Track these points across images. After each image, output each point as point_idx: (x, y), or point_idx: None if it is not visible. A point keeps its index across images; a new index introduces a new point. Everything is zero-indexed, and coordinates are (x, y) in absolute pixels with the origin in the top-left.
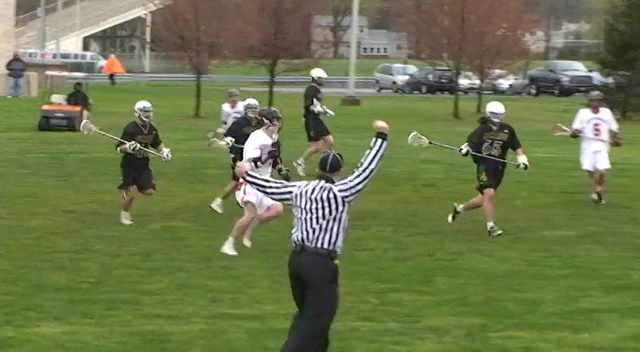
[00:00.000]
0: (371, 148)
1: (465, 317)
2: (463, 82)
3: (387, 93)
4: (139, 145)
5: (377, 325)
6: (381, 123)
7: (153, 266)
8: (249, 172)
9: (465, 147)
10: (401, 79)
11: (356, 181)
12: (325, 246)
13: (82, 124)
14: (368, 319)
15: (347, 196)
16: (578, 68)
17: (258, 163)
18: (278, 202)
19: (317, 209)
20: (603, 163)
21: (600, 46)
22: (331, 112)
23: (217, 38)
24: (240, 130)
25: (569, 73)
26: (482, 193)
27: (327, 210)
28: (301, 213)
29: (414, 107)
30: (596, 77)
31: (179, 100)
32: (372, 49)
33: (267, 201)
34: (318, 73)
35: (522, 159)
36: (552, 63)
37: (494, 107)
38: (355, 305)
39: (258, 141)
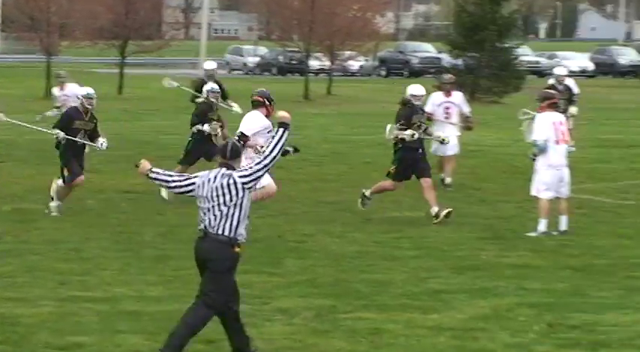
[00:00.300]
0: (273, 137)
1: (314, 298)
2: (313, 63)
3: (237, 75)
4: (62, 134)
5: None
6: (282, 113)
7: (2, 249)
8: (153, 169)
9: (414, 132)
10: (251, 60)
11: (257, 168)
12: (226, 233)
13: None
14: None
15: (247, 182)
16: (427, 50)
17: (242, 142)
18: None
19: (218, 196)
20: (451, 148)
21: (450, 28)
22: (236, 108)
23: (68, 19)
24: (205, 116)
25: (418, 55)
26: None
27: (227, 197)
28: (204, 202)
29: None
30: (446, 58)
31: (30, 82)
32: (222, 30)
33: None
34: (205, 64)
35: (440, 133)
36: (402, 44)
37: (416, 89)
38: None
39: (260, 122)
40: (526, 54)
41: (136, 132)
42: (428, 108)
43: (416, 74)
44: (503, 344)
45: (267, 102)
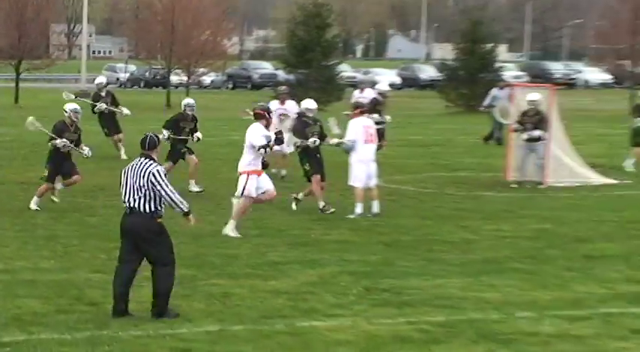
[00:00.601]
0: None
1: (178, 269)
2: (174, 78)
3: (112, 88)
4: (67, 143)
5: (106, 276)
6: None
7: None
8: None
9: (315, 139)
10: (123, 76)
11: (165, 189)
12: (147, 210)
13: (28, 121)
14: (99, 271)
15: (153, 181)
16: (266, 67)
17: (261, 150)
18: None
19: (137, 181)
20: (288, 147)
21: (284, 49)
22: (126, 111)
23: None
24: (178, 124)
25: (259, 71)
26: (310, 181)
27: (142, 182)
28: (128, 183)
29: (135, 99)
30: (281, 74)
31: None
32: (99, 51)
33: (263, 185)
34: (96, 80)
35: (335, 140)
36: (245, 63)
37: (310, 104)
38: (88, 260)
39: (262, 132)
40: (345, 70)
41: (30, 135)
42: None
43: (257, 87)
44: (329, 304)
45: (267, 115)
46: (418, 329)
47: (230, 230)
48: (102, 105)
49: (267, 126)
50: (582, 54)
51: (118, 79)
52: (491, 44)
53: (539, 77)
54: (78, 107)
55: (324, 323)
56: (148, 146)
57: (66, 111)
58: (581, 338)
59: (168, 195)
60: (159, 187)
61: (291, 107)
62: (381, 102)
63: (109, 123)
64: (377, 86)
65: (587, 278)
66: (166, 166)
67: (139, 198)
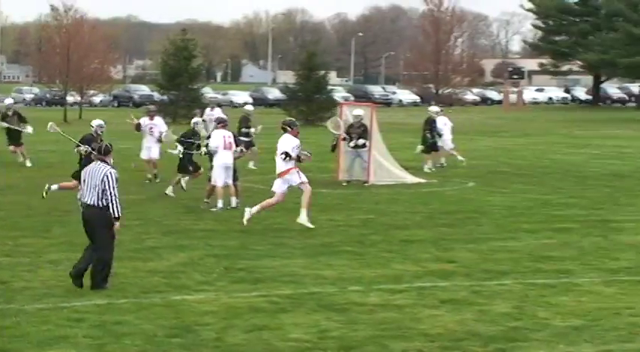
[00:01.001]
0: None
1: (72, 253)
2: (69, 98)
3: (19, 107)
4: (89, 149)
5: (13, 259)
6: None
7: None
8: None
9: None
10: (29, 96)
11: (111, 191)
12: (100, 205)
13: (49, 125)
14: (7, 255)
15: (106, 181)
16: (144, 89)
17: (287, 158)
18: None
19: (94, 181)
20: (154, 154)
21: (159, 75)
22: (29, 129)
23: None
24: (189, 138)
25: (139, 92)
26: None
27: (96, 181)
28: (86, 183)
29: (38, 115)
30: (156, 95)
31: None
32: (10, 76)
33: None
34: (5, 101)
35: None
36: (128, 86)
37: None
38: None
39: (293, 143)
40: (208, 92)
41: None
42: (141, 128)
43: (137, 105)
44: (196, 281)
45: (288, 129)
46: (269, 300)
47: (304, 220)
48: (3, 124)
49: (295, 136)
50: (395, 79)
51: (24, 99)
52: (324, 71)
53: (363, 97)
54: (102, 122)
55: (192, 296)
56: (103, 152)
57: (92, 127)
58: (401, 307)
59: (111, 196)
60: (107, 187)
61: (159, 121)
62: (249, 119)
63: (13, 136)
64: (245, 107)
65: (404, 259)
66: (185, 177)
67: (94, 195)
